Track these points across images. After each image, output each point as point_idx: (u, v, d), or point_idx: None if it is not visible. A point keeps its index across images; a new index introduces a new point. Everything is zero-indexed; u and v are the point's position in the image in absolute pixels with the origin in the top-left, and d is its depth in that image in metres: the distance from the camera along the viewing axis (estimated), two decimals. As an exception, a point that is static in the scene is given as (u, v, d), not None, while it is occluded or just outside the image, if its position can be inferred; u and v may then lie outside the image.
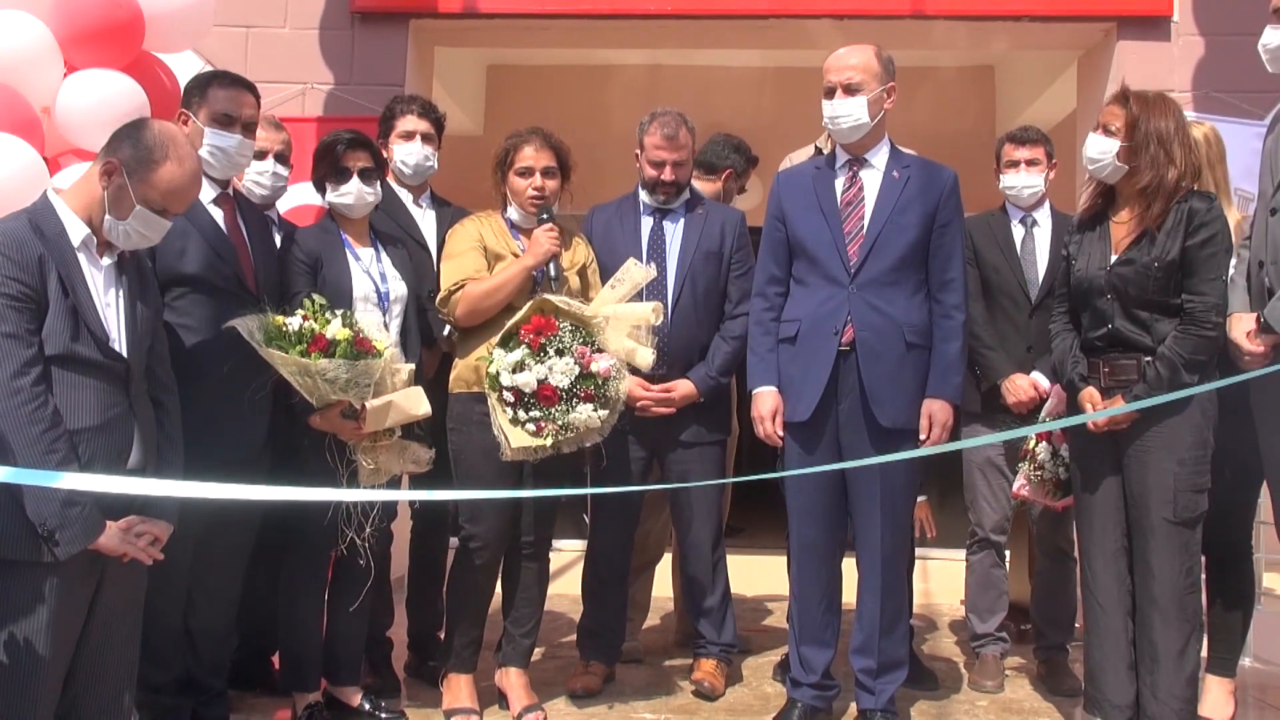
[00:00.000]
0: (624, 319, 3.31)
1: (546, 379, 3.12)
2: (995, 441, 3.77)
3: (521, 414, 3.14)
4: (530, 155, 3.39)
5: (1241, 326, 3.00)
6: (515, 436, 3.15)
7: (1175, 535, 3.01)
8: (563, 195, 3.49)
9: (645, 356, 3.32)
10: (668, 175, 3.66)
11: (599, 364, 3.16)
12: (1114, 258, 3.13)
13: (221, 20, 4.80)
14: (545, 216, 3.36)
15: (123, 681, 2.61)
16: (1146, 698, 3.05)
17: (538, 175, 3.38)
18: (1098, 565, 3.16)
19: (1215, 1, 5.08)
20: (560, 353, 3.14)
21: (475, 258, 3.36)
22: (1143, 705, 3.07)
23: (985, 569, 3.95)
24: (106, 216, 2.52)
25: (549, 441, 3.14)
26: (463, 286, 3.31)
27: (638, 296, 3.40)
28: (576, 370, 3.14)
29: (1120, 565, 3.13)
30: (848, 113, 3.23)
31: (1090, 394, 3.14)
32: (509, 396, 3.14)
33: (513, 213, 3.46)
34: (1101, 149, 3.14)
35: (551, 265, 3.32)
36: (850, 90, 3.23)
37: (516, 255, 3.36)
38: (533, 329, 3.16)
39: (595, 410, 3.16)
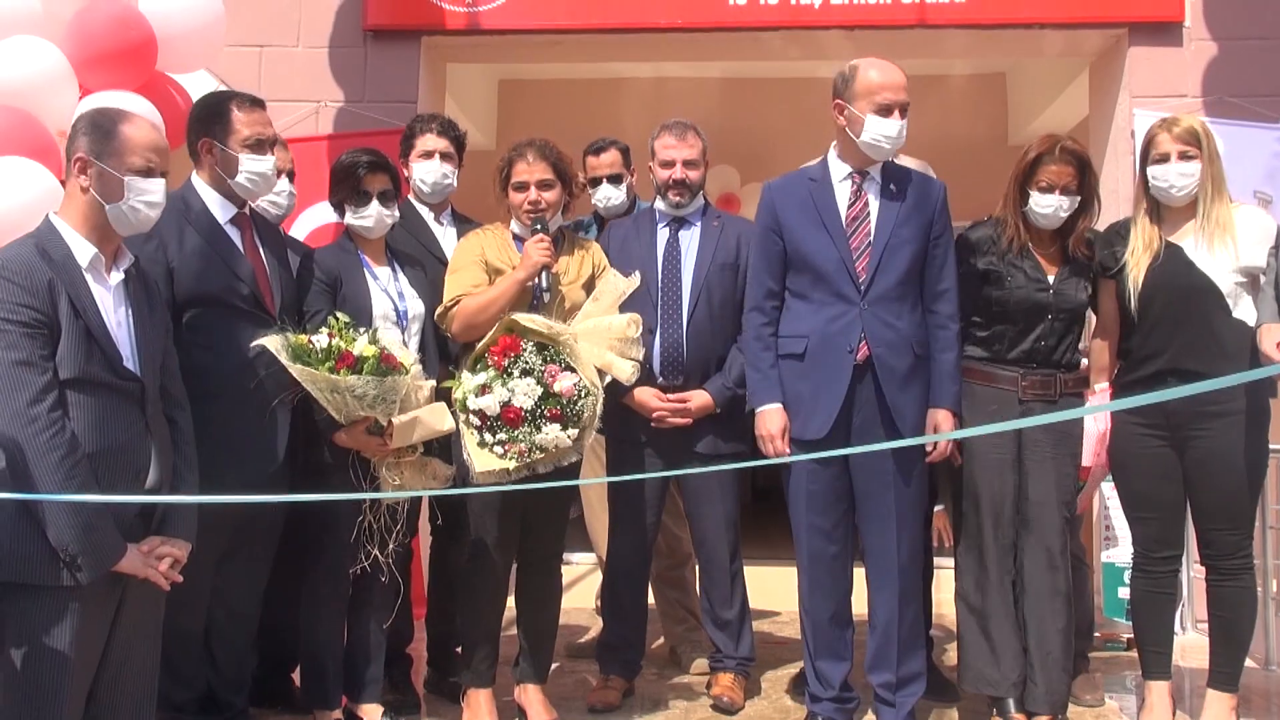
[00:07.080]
0: (600, 333, 3.29)
1: (510, 401, 3.10)
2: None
3: (489, 437, 3.13)
4: (524, 169, 3.38)
5: (1272, 337, 2.97)
6: (481, 460, 3.13)
7: None
8: (572, 203, 3.50)
9: (624, 369, 3.29)
10: (679, 173, 3.67)
11: (561, 383, 3.13)
12: None
13: (234, 40, 4.84)
14: (538, 228, 3.35)
15: (143, 700, 2.61)
16: None
17: (532, 189, 3.37)
18: None
19: (1226, 6, 5.07)
20: (525, 373, 3.12)
21: (475, 272, 3.35)
22: None
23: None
24: (107, 208, 2.49)
25: (513, 464, 3.12)
26: (459, 302, 3.31)
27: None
28: (540, 390, 3.11)
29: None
30: (902, 133, 3.21)
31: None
32: (475, 420, 3.13)
33: (515, 225, 3.47)
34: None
35: (544, 276, 3.29)
36: (904, 111, 3.22)
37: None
38: (499, 350, 3.15)
39: (564, 430, 3.13)
